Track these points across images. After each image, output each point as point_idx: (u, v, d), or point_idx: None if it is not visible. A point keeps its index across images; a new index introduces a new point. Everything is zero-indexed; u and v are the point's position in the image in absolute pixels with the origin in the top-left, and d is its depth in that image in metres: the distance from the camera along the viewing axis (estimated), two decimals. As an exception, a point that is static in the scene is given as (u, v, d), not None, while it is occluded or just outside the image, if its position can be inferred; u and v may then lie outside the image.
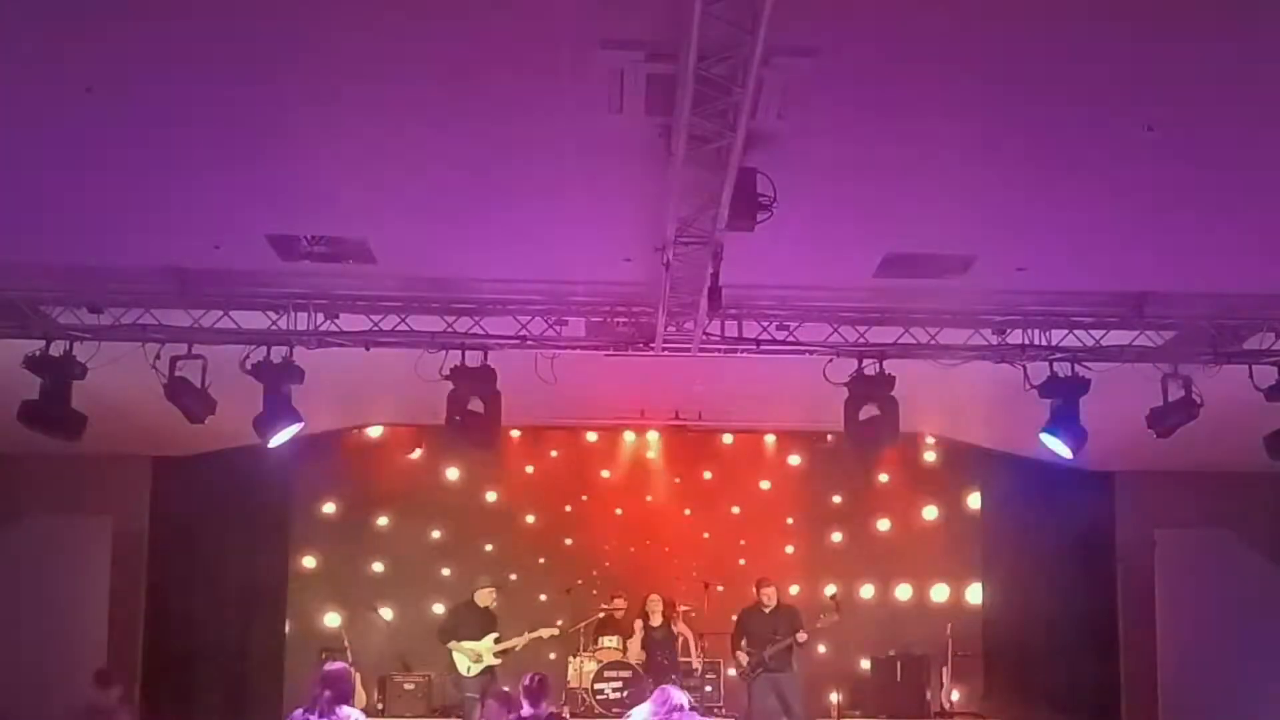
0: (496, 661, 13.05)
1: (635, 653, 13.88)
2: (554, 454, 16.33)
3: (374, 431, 15.12)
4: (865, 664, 15.04)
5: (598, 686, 13.88)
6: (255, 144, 6.54)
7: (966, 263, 8.26)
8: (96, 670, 10.88)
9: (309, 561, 15.39)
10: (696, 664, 14.05)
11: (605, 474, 16.40)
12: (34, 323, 8.84)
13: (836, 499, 16.47)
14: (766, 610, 13.18)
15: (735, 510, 16.52)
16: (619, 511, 16.46)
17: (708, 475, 16.58)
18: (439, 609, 14.55)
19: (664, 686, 8.58)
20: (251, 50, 5.61)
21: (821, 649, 14.26)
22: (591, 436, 15.90)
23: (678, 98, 5.65)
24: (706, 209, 6.77)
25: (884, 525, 16.32)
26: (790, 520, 16.45)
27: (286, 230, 7.94)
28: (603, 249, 8.13)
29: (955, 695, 15.15)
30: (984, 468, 15.16)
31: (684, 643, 13.94)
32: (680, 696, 8.27)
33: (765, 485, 16.38)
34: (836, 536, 16.43)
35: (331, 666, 8.11)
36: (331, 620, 15.13)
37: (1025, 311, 9.05)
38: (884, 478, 16.03)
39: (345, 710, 7.69)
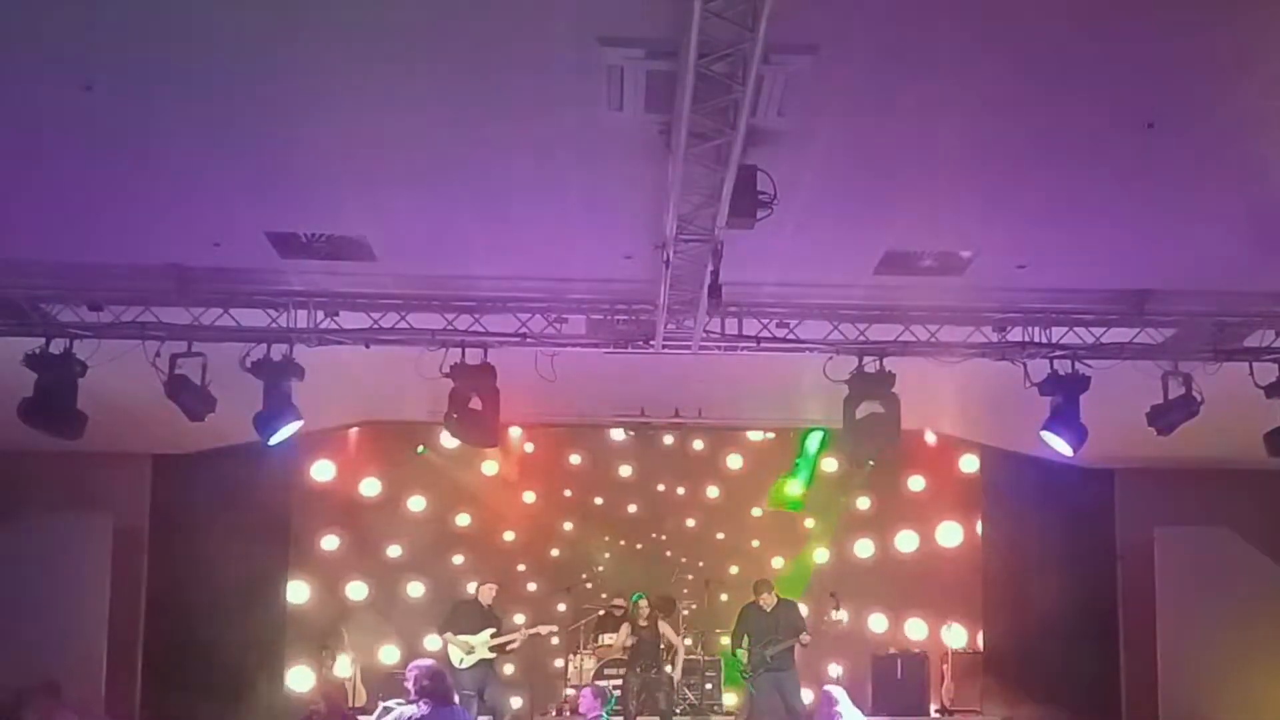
0: (490, 655, 13.10)
1: (618, 648, 13.90)
2: (554, 452, 16.38)
3: (373, 429, 15.16)
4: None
5: (597, 684, 13.87)
6: (255, 141, 6.55)
7: (966, 260, 8.26)
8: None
9: (308, 558, 15.44)
10: (675, 674, 13.99)
11: (605, 472, 16.45)
12: (34, 320, 8.84)
13: (843, 500, 16.56)
14: (767, 609, 13.18)
15: (734, 507, 16.63)
16: (619, 509, 16.53)
17: (708, 472, 16.66)
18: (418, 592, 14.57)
19: (826, 688, 8.68)
20: (252, 49, 5.61)
21: (839, 615, 14.26)
22: (591, 434, 15.93)
23: (678, 95, 5.65)
24: (707, 206, 6.77)
25: (887, 516, 16.42)
26: (759, 512, 16.55)
27: (286, 228, 7.94)
28: (603, 246, 8.13)
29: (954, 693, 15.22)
30: (984, 465, 15.17)
31: (667, 646, 13.88)
32: (836, 692, 8.46)
33: (766, 483, 16.47)
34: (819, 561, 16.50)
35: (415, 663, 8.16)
36: (329, 617, 15.22)
37: (1025, 309, 9.05)
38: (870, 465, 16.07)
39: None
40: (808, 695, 13.18)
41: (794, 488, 16.02)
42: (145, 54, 5.64)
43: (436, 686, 7.84)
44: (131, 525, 13.31)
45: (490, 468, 16.13)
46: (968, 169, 6.83)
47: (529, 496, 16.59)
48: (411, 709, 7.81)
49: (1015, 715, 14.15)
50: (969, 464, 15.62)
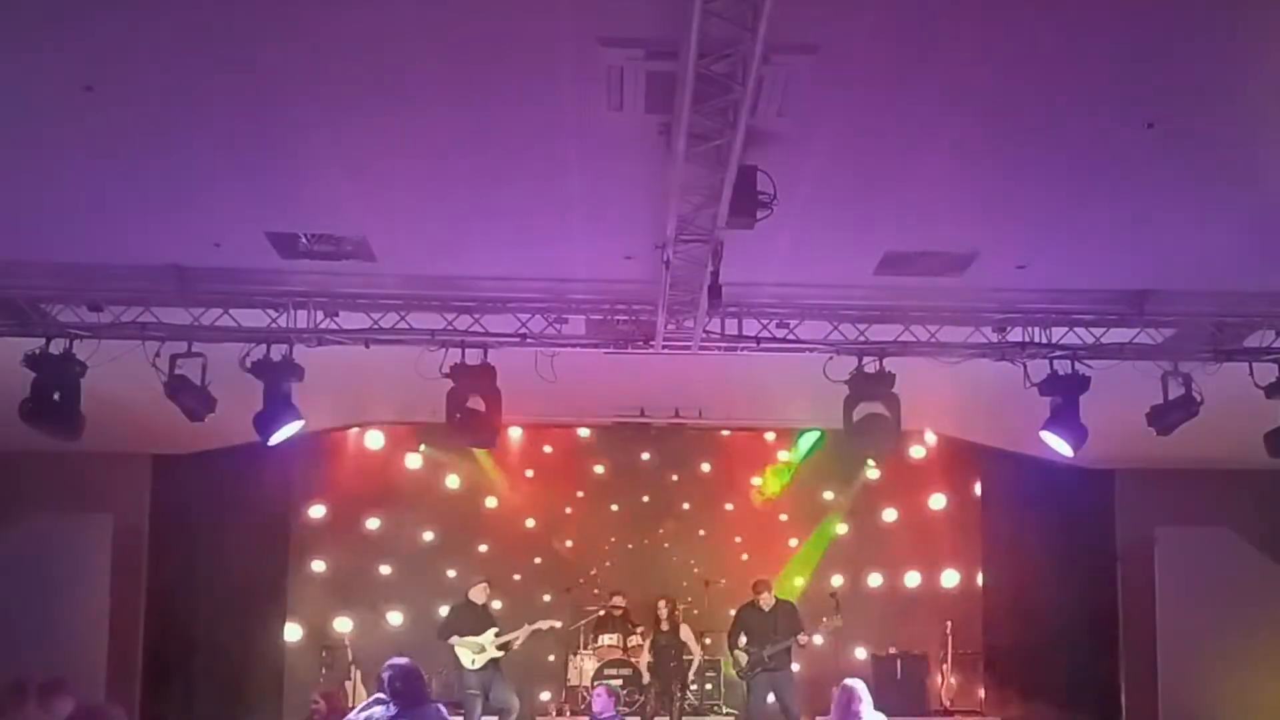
0: (499, 654, 13.15)
1: (645, 657, 13.98)
2: (553, 452, 16.36)
3: (374, 429, 15.15)
4: (861, 653, 15.12)
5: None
6: (255, 142, 6.54)
7: (967, 260, 8.26)
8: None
9: (309, 559, 15.42)
10: (697, 659, 14.11)
11: (604, 472, 16.42)
12: (34, 321, 8.84)
13: (837, 497, 16.53)
14: (765, 609, 13.21)
15: (731, 508, 16.60)
16: (618, 509, 16.50)
17: (707, 471, 16.63)
18: (442, 607, 14.54)
19: (845, 683, 8.69)
20: (252, 49, 5.60)
21: (818, 639, 14.19)
22: (591, 434, 15.92)
23: (678, 95, 5.65)
24: (707, 206, 6.77)
25: (885, 521, 16.38)
26: (785, 517, 16.52)
27: (286, 228, 7.94)
28: (603, 247, 8.13)
29: (954, 693, 15.21)
30: (984, 465, 15.17)
31: (688, 646, 13.99)
32: (858, 687, 8.49)
33: (763, 482, 16.45)
34: (838, 532, 16.49)
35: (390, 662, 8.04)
36: (330, 617, 15.20)
37: (1025, 309, 9.04)
38: (882, 475, 16.08)
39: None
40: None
41: (772, 485, 16.09)
42: (145, 54, 5.64)
43: (408, 689, 7.73)
44: (131, 526, 13.31)
45: (487, 475, 16.08)
46: (968, 169, 6.83)
47: (525, 499, 16.55)
48: (380, 709, 7.75)
49: (1015, 715, 14.15)
50: (967, 464, 15.61)
